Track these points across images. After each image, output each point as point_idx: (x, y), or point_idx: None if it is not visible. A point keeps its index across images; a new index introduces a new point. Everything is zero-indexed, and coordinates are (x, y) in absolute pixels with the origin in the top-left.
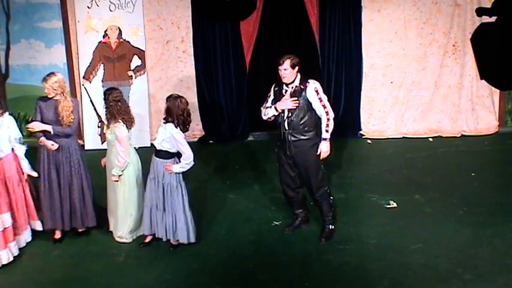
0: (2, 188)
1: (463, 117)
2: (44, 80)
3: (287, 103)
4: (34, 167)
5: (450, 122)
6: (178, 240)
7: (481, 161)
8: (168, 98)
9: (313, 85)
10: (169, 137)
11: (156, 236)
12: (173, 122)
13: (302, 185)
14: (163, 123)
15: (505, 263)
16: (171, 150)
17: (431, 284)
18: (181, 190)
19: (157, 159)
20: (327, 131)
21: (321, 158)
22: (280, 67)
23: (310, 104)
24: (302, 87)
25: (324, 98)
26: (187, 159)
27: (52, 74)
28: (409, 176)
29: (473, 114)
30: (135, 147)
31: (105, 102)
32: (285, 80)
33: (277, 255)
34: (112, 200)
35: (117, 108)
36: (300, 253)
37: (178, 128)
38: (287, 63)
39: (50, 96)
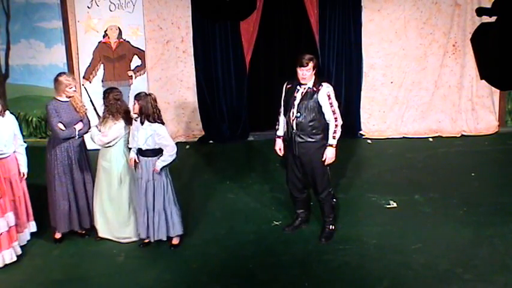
0: (7, 187)
1: (463, 117)
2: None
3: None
4: (33, 166)
5: (450, 122)
6: (172, 237)
7: (481, 161)
8: (137, 97)
9: (326, 89)
10: (152, 135)
11: (152, 240)
12: (148, 120)
13: (308, 186)
14: (141, 124)
15: (505, 263)
16: (156, 147)
17: (431, 284)
18: (170, 185)
19: (145, 158)
20: (334, 137)
21: (326, 163)
22: (303, 68)
23: (321, 106)
24: (315, 89)
25: (335, 104)
26: (171, 151)
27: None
28: (409, 176)
29: (473, 114)
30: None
31: (104, 101)
32: (304, 81)
33: (277, 255)
34: (108, 201)
35: (116, 106)
36: (300, 253)
37: (156, 123)
38: (311, 65)
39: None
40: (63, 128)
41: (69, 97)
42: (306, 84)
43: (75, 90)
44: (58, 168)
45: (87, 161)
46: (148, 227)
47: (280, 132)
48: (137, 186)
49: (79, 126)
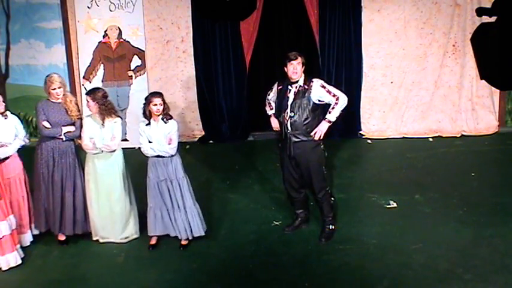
0: (8, 189)
1: (463, 117)
2: (66, 94)
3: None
4: (31, 167)
5: (450, 122)
6: (192, 237)
7: (481, 161)
8: (157, 96)
9: (317, 83)
10: (169, 132)
11: (172, 235)
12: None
13: (305, 185)
14: (164, 121)
15: (505, 263)
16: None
17: (431, 284)
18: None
19: (163, 159)
20: (330, 112)
21: (313, 134)
22: (293, 62)
23: (314, 104)
24: (306, 87)
25: (332, 88)
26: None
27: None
28: (409, 176)
29: (473, 114)
30: (134, 147)
31: (96, 101)
32: (295, 76)
33: (277, 255)
34: (105, 202)
35: (106, 104)
36: (300, 253)
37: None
38: (300, 59)
39: (58, 99)
40: (48, 126)
41: (64, 100)
42: (297, 82)
43: (61, 94)
44: (43, 168)
45: (74, 168)
46: (175, 226)
47: (274, 110)
48: (157, 187)
49: (68, 128)
